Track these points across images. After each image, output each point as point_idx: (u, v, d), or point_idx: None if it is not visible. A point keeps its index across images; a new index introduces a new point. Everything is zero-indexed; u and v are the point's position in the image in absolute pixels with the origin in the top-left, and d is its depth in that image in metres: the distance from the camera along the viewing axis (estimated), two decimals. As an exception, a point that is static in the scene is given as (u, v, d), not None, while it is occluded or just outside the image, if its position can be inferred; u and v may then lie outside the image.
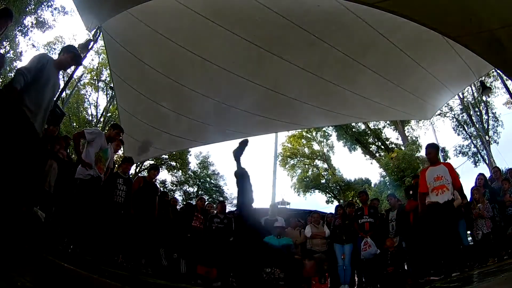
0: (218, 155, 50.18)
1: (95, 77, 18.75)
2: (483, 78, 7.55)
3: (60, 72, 3.35)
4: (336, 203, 19.90)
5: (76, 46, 4.94)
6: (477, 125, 16.22)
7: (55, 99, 3.03)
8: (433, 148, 4.41)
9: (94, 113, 19.08)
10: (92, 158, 3.86)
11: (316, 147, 23.93)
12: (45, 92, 2.71)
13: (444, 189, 3.94)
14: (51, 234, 3.69)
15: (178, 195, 21.63)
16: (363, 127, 21.84)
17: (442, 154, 9.78)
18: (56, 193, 4.30)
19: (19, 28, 14.35)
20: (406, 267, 5.17)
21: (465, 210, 4.99)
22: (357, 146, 22.26)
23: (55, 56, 3.09)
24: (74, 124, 17.74)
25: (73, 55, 3.02)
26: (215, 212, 6.34)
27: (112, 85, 7.76)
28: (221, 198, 20.88)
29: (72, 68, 3.46)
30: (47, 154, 4.23)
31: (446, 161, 4.31)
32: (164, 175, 21.63)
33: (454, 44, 4.21)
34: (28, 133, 2.54)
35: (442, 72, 5.41)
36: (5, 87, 2.79)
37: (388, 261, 4.96)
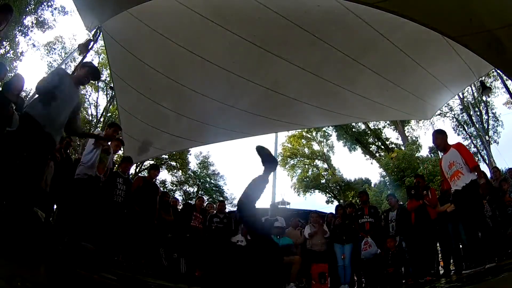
0: (218, 155, 50.21)
1: (95, 77, 18.70)
2: (483, 78, 7.54)
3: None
4: (336, 203, 19.92)
5: (77, 46, 4.96)
6: (477, 125, 16.23)
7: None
8: (440, 134, 3.94)
9: (94, 113, 19.09)
10: (96, 160, 3.90)
11: (316, 147, 23.96)
12: (61, 106, 2.81)
13: (459, 175, 3.55)
14: (51, 234, 3.69)
15: (178, 195, 21.65)
16: (363, 127, 21.85)
17: (442, 154, 9.76)
18: (54, 192, 4.31)
19: (19, 28, 14.35)
20: (406, 267, 5.18)
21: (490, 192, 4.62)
22: (357, 146, 22.29)
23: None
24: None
25: (88, 69, 3.13)
26: (215, 212, 6.34)
27: (112, 85, 7.75)
28: (221, 198, 20.88)
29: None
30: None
31: (456, 142, 3.67)
32: (164, 175, 21.67)
33: (454, 44, 4.21)
34: (39, 141, 2.65)
35: (442, 72, 5.41)
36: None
37: (389, 261, 4.97)
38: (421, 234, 4.76)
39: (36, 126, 2.62)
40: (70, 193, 3.90)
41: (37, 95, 2.85)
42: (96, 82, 18.59)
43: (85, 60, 3.45)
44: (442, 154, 3.92)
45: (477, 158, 16.67)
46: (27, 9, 14.21)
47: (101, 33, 5.01)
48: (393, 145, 21.60)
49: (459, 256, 4.84)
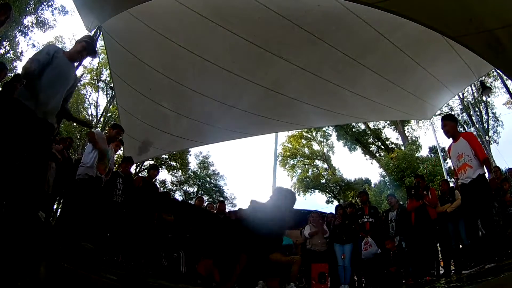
0: (218, 155, 50.27)
1: (95, 77, 18.76)
2: (483, 78, 7.55)
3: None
4: (336, 203, 19.92)
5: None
6: (477, 125, 16.22)
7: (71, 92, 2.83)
8: (448, 120, 3.75)
9: (94, 113, 19.08)
10: (95, 160, 3.90)
11: (316, 147, 23.97)
12: (56, 85, 2.58)
13: (466, 168, 3.42)
14: (51, 234, 3.69)
15: (178, 195, 21.66)
16: (363, 127, 21.86)
17: (442, 154, 9.77)
18: (54, 192, 4.31)
19: (19, 28, 14.35)
20: (406, 267, 5.17)
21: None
22: (357, 146, 22.30)
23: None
24: (74, 124, 17.73)
25: (84, 44, 2.82)
26: (215, 212, 6.33)
27: (112, 85, 7.76)
28: (221, 198, 20.89)
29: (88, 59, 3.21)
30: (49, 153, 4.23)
31: (467, 132, 3.51)
32: (164, 175, 21.67)
33: (454, 44, 4.21)
34: (32, 130, 2.42)
35: (442, 72, 5.41)
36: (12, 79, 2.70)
37: (391, 261, 4.96)
38: (421, 234, 4.76)
39: (26, 113, 2.37)
40: (71, 193, 3.91)
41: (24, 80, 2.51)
42: (96, 82, 18.57)
43: (83, 36, 2.95)
44: (451, 141, 3.75)
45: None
46: (27, 9, 14.22)
47: (101, 33, 5.01)
48: (393, 145, 21.61)
49: (459, 256, 4.84)
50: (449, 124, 3.70)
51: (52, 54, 2.59)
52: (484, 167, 3.44)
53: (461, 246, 4.88)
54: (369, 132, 22.30)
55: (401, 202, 6.05)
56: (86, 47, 2.84)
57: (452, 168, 3.80)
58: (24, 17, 14.21)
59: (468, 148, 3.46)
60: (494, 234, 3.46)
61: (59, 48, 2.79)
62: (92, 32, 4.91)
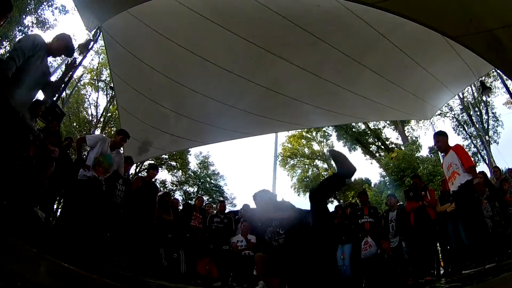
0: (218, 155, 50.24)
1: (95, 77, 18.74)
2: (483, 78, 7.55)
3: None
4: (336, 203, 19.91)
5: (77, 46, 4.94)
6: (477, 125, 16.22)
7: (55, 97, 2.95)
8: (440, 136, 3.96)
9: (94, 113, 19.07)
10: (91, 162, 3.91)
11: (316, 147, 23.95)
12: (35, 81, 2.54)
13: (455, 175, 3.65)
14: (51, 234, 3.69)
15: (178, 195, 21.65)
16: (363, 127, 21.84)
17: (442, 154, 9.77)
18: (53, 192, 4.31)
19: (19, 28, 14.35)
20: (406, 267, 5.17)
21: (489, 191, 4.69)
22: (357, 146, 22.26)
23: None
24: (74, 124, 17.73)
25: (65, 44, 2.78)
26: (215, 211, 6.34)
27: (112, 85, 7.76)
28: (221, 198, 20.87)
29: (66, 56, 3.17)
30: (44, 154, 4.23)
31: (455, 144, 3.80)
32: (164, 175, 21.65)
33: (454, 44, 4.21)
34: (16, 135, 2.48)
35: (442, 72, 5.42)
36: None
37: (386, 262, 4.95)
38: (421, 234, 4.76)
39: (15, 118, 2.38)
40: (71, 193, 3.91)
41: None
42: (96, 82, 18.56)
43: (64, 33, 2.87)
44: (443, 155, 4.05)
45: (477, 158, 16.67)
46: (27, 9, 14.21)
47: (101, 33, 5.02)
48: (393, 145, 21.59)
49: (459, 256, 4.84)
50: (442, 139, 3.93)
51: (37, 46, 2.53)
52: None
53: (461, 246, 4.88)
54: (369, 132, 22.28)
55: (401, 202, 6.05)
56: (66, 48, 2.79)
57: (446, 183, 4.08)
58: (24, 17, 14.20)
59: (456, 158, 3.70)
60: (489, 235, 3.63)
61: (43, 41, 2.67)
62: (92, 32, 4.92)
